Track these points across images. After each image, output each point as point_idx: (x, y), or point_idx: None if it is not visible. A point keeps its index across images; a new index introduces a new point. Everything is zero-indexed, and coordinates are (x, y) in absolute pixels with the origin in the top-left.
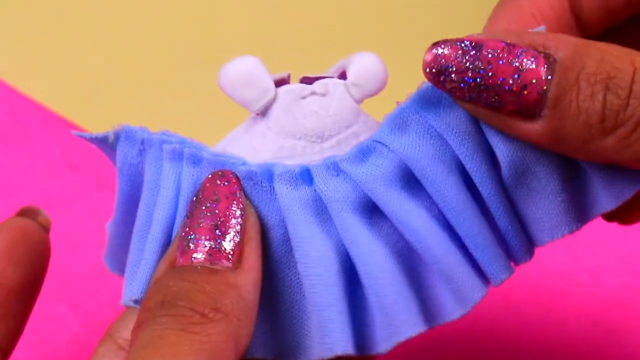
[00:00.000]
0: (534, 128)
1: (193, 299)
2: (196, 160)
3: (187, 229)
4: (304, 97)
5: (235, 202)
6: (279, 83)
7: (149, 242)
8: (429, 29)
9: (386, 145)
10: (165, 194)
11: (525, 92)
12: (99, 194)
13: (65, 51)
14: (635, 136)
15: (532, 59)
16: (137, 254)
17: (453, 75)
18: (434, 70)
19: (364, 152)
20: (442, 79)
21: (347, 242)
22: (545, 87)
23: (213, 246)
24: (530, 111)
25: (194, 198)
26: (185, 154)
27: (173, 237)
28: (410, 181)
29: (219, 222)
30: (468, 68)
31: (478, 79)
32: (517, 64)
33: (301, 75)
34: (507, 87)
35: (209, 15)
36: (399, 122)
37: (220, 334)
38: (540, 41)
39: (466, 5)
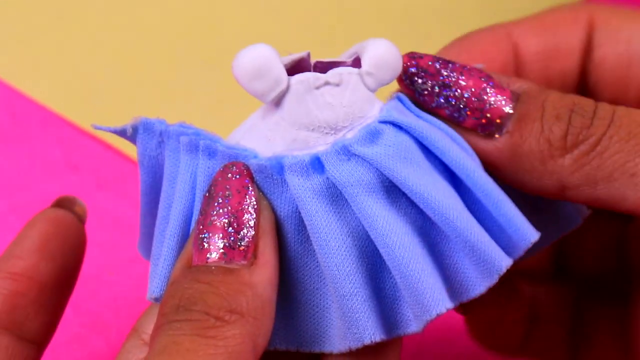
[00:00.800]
0: (492, 144)
1: (208, 302)
2: (211, 153)
3: (201, 227)
4: (317, 87)
5: (247, 196)
6: (298, 64)
7: (167, 239)
8: (429, 29)
9: (394, 124)
10: (182, 188)
11: (493, 106)
12: (99, 194)
13: (65, 51)
14: (593, 155)
15: (499, 86)
16: (158, 249)
17: (424, 79)
18: (407, 72)
19: (373, 134)
20: (414, 82)
21: (366, 225)
22: (510, 106)
23: (227, 244)
24: (492, 127)
25: (207, 193)
26: (200, 146)
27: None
28: (422, 158)
29: (232, 218)
30: (440, 72)
31: (449, 83)
32: (485, 81)
33: (314, 60)
34: (475, 98)
35: (208, 16)
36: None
37: (236, 336)
38: (504, 79)
39: (466, 5)
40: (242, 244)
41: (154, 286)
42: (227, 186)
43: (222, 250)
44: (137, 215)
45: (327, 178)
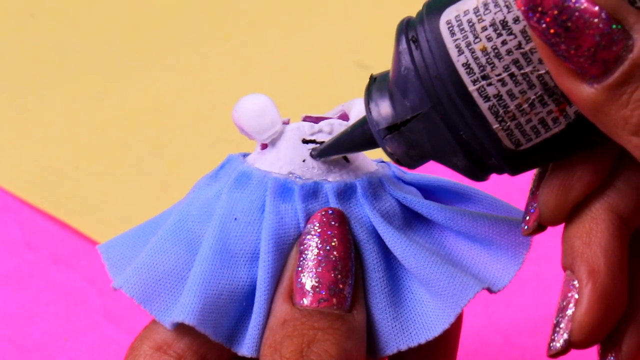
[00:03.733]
0: (585, 90)
1: (328, 351)
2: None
3: (308, 271)
4: (312, 134)
5: (350, 244)
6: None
7: (260, 288)
8: None
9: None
10: (266, 231)
11: (613, 47)
12: (54, 268)
13: (24, 139)
14: None
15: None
16: (177, 268)
17: (543, 8)
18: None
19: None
20: (532, 11)
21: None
22: (621, 53)
23: (337, 290)
24: (601, 68)
25: (308, 236)
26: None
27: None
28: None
29: (340, 266)
30: (562, 4)
31: (568, 11)
32: (607, 20)
33: (303, 114)
34: (593, 33)
35: (155, 106)
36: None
37: None
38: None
39: None
40: (347, 292)
41: (184, 305)
42: (332, 233)
43: (332, 296)
44: (88, 287)
45: (395, 199)
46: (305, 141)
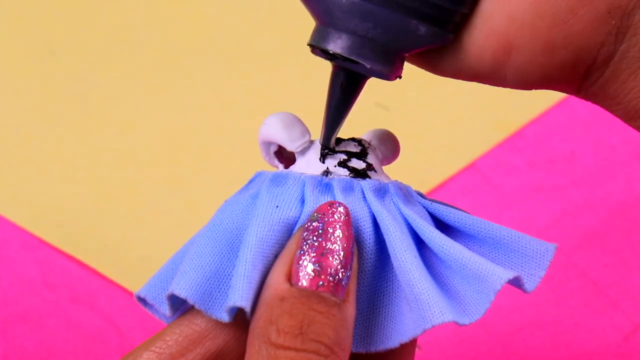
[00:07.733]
0: None
1: (326, 334)
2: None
3: (312, 255)
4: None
5: (352, 239)
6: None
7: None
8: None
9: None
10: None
11: None
12: (72, 307)
13: (42, 180)
14: None
15: None
16: (222, 266)
17: None
18: None
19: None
20: None
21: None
22: None
23: (336, 278)
24: None
25: (315, 223)
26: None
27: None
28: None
29: (342, 256)
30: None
31: None
32: None
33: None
34: None
35: (169, 146)
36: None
37: None
38: None
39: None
40: (344, 282)
41: (235, 291)
42: (337, 225)
43: (331, 283)
44: (106, 326)
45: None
46: (332, 151)
